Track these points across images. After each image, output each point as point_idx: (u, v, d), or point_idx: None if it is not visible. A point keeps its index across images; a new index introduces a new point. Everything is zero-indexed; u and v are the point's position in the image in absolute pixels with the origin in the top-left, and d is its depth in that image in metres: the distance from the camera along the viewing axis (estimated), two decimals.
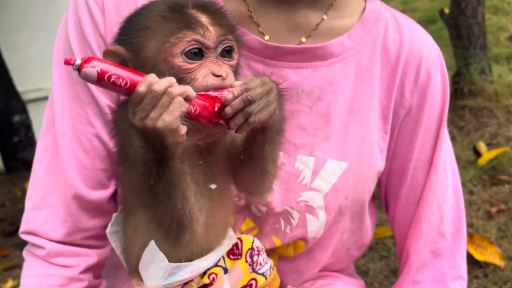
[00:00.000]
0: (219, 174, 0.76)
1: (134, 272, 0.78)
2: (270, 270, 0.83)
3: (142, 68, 0.65)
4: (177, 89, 0.59)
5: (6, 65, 3.92)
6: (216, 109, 0.64)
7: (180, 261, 0.74)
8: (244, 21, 0.84)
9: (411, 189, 0.97)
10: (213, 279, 0.77)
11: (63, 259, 0.85)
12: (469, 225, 2.06)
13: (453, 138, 2.67)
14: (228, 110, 0.64)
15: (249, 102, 0.64)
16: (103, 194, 0.86)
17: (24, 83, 4.18)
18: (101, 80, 0.58)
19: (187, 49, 0.66)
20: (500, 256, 1.84)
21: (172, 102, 0.58)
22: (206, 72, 0.67)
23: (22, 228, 0.87)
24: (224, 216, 0.79)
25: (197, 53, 0.67)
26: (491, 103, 2.88)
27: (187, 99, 0.60)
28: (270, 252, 0.94)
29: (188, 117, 0.62)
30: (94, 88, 0.84)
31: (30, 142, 4.07)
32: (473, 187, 2.30)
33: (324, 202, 0.89)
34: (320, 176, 0.87)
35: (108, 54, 0.67)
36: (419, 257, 0.97)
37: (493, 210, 2.13)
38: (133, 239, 0.76)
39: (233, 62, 0.70)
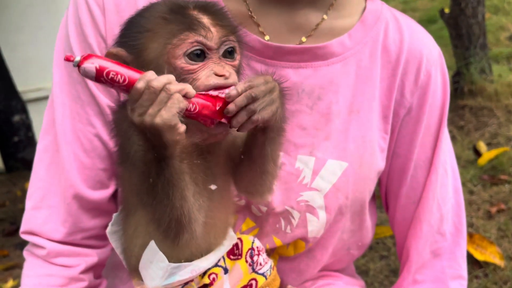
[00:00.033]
0: (219, 175, 0.76)
1: (134, 272, 0.78)
2: (270, 270, 0.83)
3: (144, 69, 0.65)
4: (176, 86, 0.59)
5: (6, 65, 3.92)
6: (218, 107, 0.64)
7: (180, 261, 0.74)
8: (244, 21, 0.84)
9: (411, 189, 0.97)
10: (213, 279, 0.77)
11: (63, 259, 0.85)
12: (469, 224, 2.06)
13: (453, 138, 2.67)
14: (232, 107, 0.64)
15: (252, 99, 0.64)
16: (104, 194, 0.86)
17: (24, 83, 4.18)
18: (99, 76, 0.59)
19: (190, 50, 0.66)
20: (500, 256, 1.84)
21: (170, 98, 0.58)
22: (208, 73, 0.67)
23: (23, 228, 0.87)
24: (224, 216, 0.79)
25: (199, 55, 0.67)
26: (491, 103, 2.88)
27: (186, 96, 0.60)
28: (270, 252, 0.94)
29: (187, 115, 0.62)
30: (94, 88, 0.84)
31: (30, 142, 4.07)
32: (473, 187, 2.30)
33: (324, 202, 0.89)
34: (321, 176, 0.87)
35: (109, 57, 0.67)
36: (419, 256, 0.97)
37: (493, 209, 2.13)
38: (133, 239, 0.76)
39: (235, 63, 0.70)
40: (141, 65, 0.66)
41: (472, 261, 1.83)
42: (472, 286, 1.75)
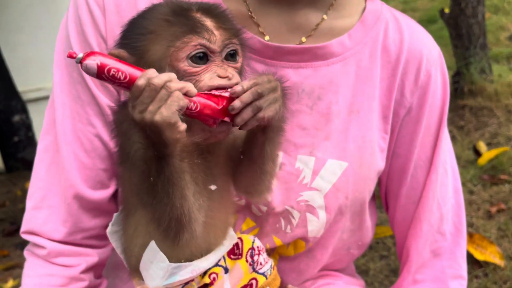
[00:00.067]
0: (219, 175, 0.76)
1: (135, 272, 0.79)
2: (270, 270, 0.83)
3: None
4: (176, 84, 0.60)
5: (6, 65, 3.92)
6: (221, 106, 0.65)
7: (180, 261, 0.74)
8: (244, 21, 0.84)
9: (411, 189, 0.97)
10: (214, 278, 0.77)
11: (64, 259, 0.85)
12: (469, 224, 2.06)
13: (453, 138, 2.67)
14: (237, 103, 0.64)
15: (258, 96, 0.65)
16: (104, 194, 0.86)
17: (24, 83, 4.18)
18: (101, 73, 0.59)
19: (193, 53, 0.66)
20: (500, 256, 1.84)
21: (170, 96, 0.59)
22: (211, 75, 0.67)
23: (23, 228, 0.87)
24: (224, 216, 0.79)
25: (202, 57, 0.67)
26: (491, 103, 2.88)
27: (187, 95, 0.61)
28: (270, 252, 0.94)
29: (189, 114, 0.63)
30: (94, 88, 0.84)
31: (30, 142, 4.07)
32: (473, 187, 2.30)
33: (324, 202, 0.89)
34: (321, 175, 0.88)
35: None
36: (419, 256, 0.97)
37: (493, 209, 2.13)
38: (133, 239, 0.76)
39: (238, 65, 0.71)
40: (143, 67, 0.66)
41: (472, 261, 1.83)
42: (472, 286, 1.75)
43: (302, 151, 0.87)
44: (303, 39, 0.87)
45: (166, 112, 0.58)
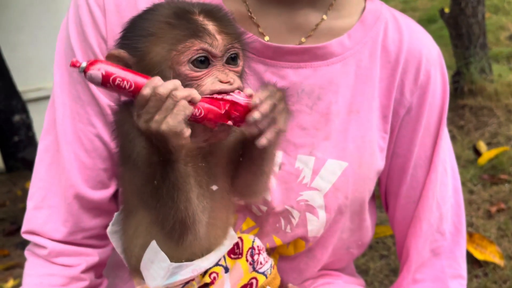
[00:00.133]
0: (220, 175, 0.76)
1: (135, 271, 0.79)
2: (270, 269, 0.84)
3: (147, 73, 0.65)
4: (182, 92, 0.59)
5: (7, 65, 3.93)
6: (223, 111, 0.65)
7: (181, 261, 0.74)
8: (244, 22, 0.84)
9: (411, 188, 0.97)
10: (214, 278, 0.78)
11: (64, 259, 0.85)
12: (469, 224, 2.06)
13: (453, 138, 2.67)
14: (257, 114, 0.64)
15: (274, 107, 0.66)
16: (104, 194, 0.86)
17: (24, 82, 4.19)
18: (106, 82, 0.59)
19: (194, 57, 0.66)
20: (500, 255, 1.84)
21: (176, 105, 0.59)
22: (213, 80, 0.67)
23: (24, 227, 0.87)
24: (224, 216, 0.79)
25: (204, 61, 0.67)
26: (491, 102, 2.88)
27: (191, 102, 0.60)
28: (270, 251, 0.94)
29: (193, 120, 0.63)
30: (94, 88, 0.84)
31: (30, 142, 4.08)
32: (473, 186, 2.30)
33: (324, 202, 0.89)
34: (320, 175, 0.88)
35: (111, 58, 0.67)
36: (419, 256, 0.97)
37: (493, 209, 2.13)
38: (134, 240, 0.76)
39: (239, 69, 0.71)
40: (144, 69, 0.66)
41: (472, 261, 1.83)
42: (472, 286, 1.75)
43: (302, 151, 0.87)
44: (303, 39, 0.87)
45: (173, 121, 0.58)
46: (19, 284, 1.27)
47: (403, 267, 1.00)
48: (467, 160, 2.52)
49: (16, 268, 2.47)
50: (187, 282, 0.76)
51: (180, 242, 0.68)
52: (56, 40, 0.89)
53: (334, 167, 0.88)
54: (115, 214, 0.82)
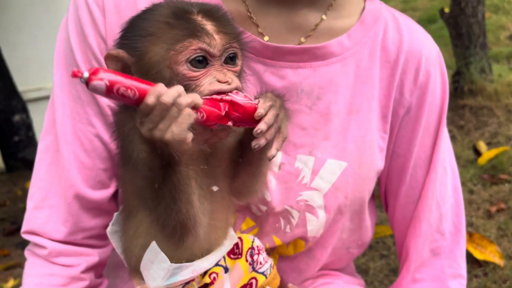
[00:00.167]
0: (220, 176, 0.76)
1: (135, 272, 0.79)
2: (270, 269, 0.84)
3: (145, 73, 0.65)
4: (186, 99, 0.59)
5: (7, 65, 3.93)
6: (223, 112, 0.65)
7: (181, 262, 0.74)
8: (243, 22, 0.84)
9: (410, 188, 0.97)
10: (214, 278, 0.78)
11: (64, 259, 0.85)
12: (469, 224, 2.06)
13: (453, 137, 2.67)
14: (263, 126, 0.66)
15: (277, 117, 0.68)
16: (104, 194, 0.86)
17: (24, 82, 4.19)
18: (109, 92, 0.57)
19: (192, 57, 0.66)
20: (499, 255, 1.84)
21: (181, 114, 0.58)
22: (211, 80, 0.67)
23: (24, 227, 0.88)
24: (224, 216, 0.79)
25: (202, 61, 0.67)
26: (491, 102, 2.88)
27: (194, 107, 0.60)
28: (270, 251, 0.94)
29: (195, 123, 0.63)
30: None
31: (30, 142, 4.08)
32: (473, 186, 2.30)
33: (323, 202, 0.89)
34: (320, 175, 0.88)
35: (110, 58, 0.67)
36: (418, 255, 0.97)
37: (493, 209, 2.13)
38: (134, 240, 0.77)
39: (237, 69, 0.71)
40: (142, 68, 0.66)
41: (471, 260, 1.83)
42: (471, 285, 1.75)
43: (302, 151, 0.87)
44: (302, 39, 0.87)
45: (177, 130, 0.58)
46: (19, 284, 1.28)
47: (403, 267, 1.00)
48: (467, 160, 2.52)
49: (16, 268, 2.48)
50: (187, 283, 0.76)
51: (180, 244, 0.68)
52: (56, 40, 0.89)
53: (333, 167, 0.88)
54: (115, 214, 0.82)
